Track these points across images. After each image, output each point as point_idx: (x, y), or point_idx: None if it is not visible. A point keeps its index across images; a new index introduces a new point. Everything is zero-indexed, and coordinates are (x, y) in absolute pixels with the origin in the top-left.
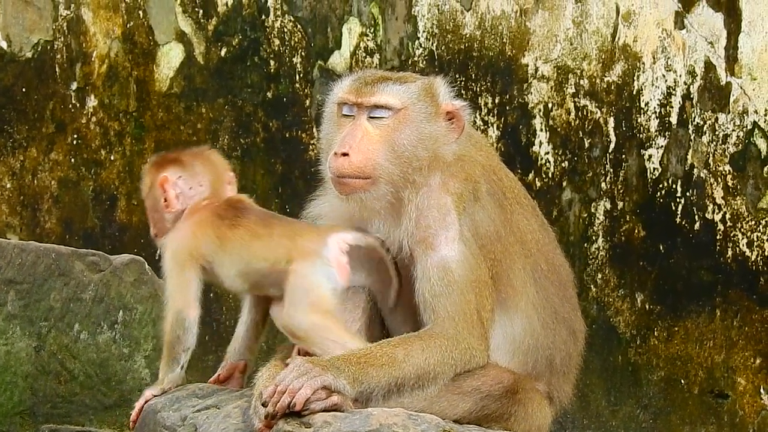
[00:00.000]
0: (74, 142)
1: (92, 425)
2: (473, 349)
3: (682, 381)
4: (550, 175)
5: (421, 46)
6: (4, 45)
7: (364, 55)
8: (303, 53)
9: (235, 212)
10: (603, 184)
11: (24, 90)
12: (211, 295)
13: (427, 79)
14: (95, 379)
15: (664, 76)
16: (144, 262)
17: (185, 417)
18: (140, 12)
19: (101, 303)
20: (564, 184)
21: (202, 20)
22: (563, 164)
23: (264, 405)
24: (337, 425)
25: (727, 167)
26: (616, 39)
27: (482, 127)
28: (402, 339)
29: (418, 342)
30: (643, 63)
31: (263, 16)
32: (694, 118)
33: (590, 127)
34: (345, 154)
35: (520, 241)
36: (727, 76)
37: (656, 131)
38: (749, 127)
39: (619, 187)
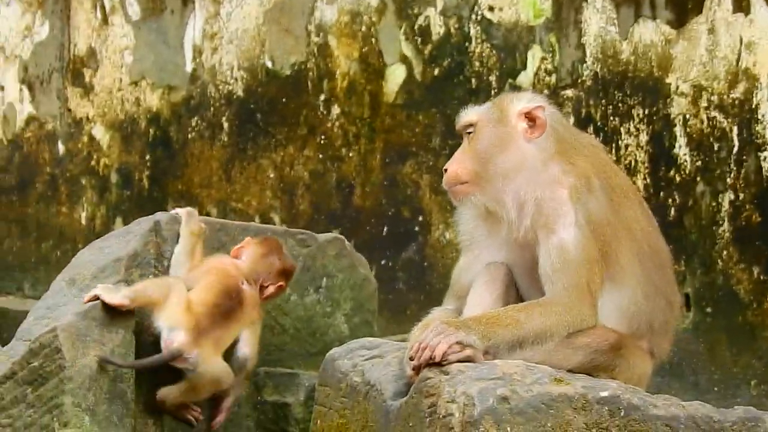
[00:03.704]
0: (321, 142)
1: (299, 369)
2: (583, 314)
3: None
4: (687, 172)
5: (588, 68)
6: (270, 64)
7: (543, 75)
8: (497, 73)
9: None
10: (728, 179)
11: (284, 101)
12: (425, 263)
13: (503, 95)
14: (302, 332)
15: None
16: (344, 239)
17: (356, 364)
18: (373, 39)
19: (308, 271)
20: (698, 179)
21: (420, 46)
22: (697, 163)
23: (411, 359)
24: (469, 373)
25: None
26: (740, 64)
27: (635, 133)
28: (525, 305)
29: (538, 308)
30: (761, 83)
31: (467, 44)
32: None
33: (719, 134)
34: (446, 170)
35: (627, 227)
36: None
37: None
38: None
39: (741, 182)
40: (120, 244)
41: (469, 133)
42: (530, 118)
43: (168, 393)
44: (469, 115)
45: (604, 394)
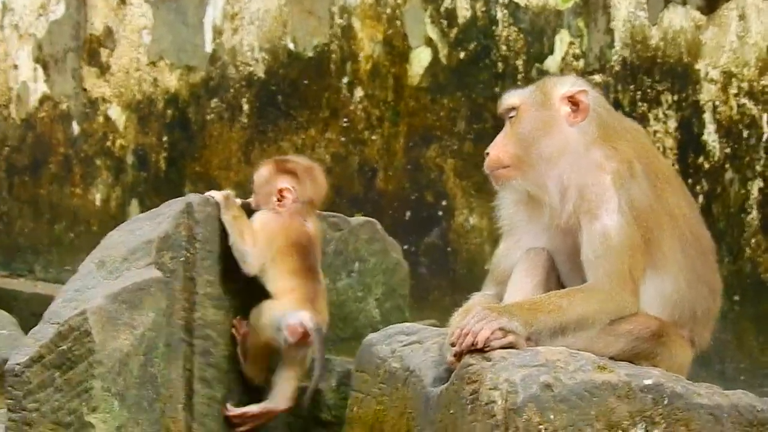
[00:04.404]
0: (344, 124)
1: (330, 354)
2: (625, 301)
3: None
4: (715, 159)
5: (616, 53)
6: (292, 46)
7: (571, 59)
8: (524, 57)
9: (304, 258)
10: (757, 167)
11: (306, 82)
12: (448, 249)
13: (546, 78)
14: (334, 316)
15: None
16: (377, 223)
17: (394, 350)
18: (398, 22)
19: (340, 255)
20: (726, 166)
21: (446, 29)
22: (726, 150)
23: (452, 345)
24: (512, 360)
25: None
26: None
27: (663, 120)
28: (567, 291)
29: (580, 294)
30: None
31: (494, 27)
32: None
33: (748, 121)
34: (487, 153)
35: (669, 214)
36: None
37: None
38: None
39: None
40: (151, 226)
41: (511, 117)
42: (573, 102)
43: (269, 408)
44: (511, 98)
45: (648, 382)
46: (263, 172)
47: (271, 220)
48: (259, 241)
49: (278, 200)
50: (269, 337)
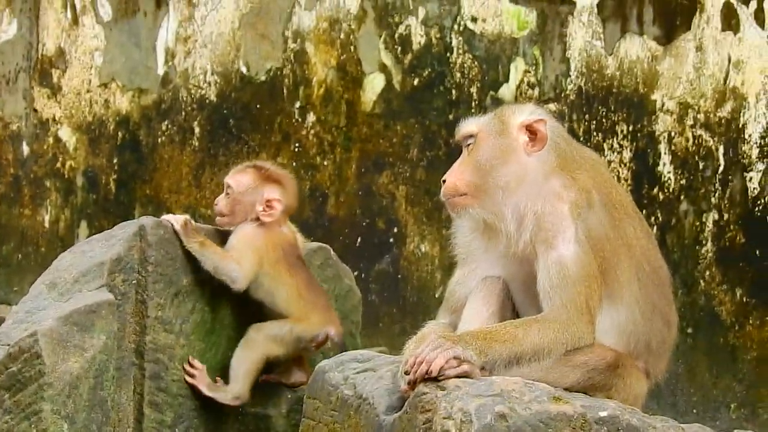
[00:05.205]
0: (296, 149)
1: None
2: (581, 332)
3: None
4: (670, 190)
5: (572, 82)
6: (244, 70)
7: (526, 88)
8: (478, 85)
9: (295, 261)
10: (713, 199)
11: (258, 106)
12: (399, 276)
13: (504, 106)
14: None
15: (764, 113)
16: (330, 249)
17: (347, 377)
18: (352, 47)
19: None
20: (681, 197)
21: (400, 56)
22: (681, 182)
23: (406, 373)
24: (466, 389)
25: None
26: (727, 82)
27: (618, 150)
28: (523, 321)
29: (536, 324)
30: (748, 102)
31: (448, 54)
32: None
33: (704, 152)
34: (444, 181)
35: (627, 245)
36: None
37: (757, 158)
38: None
39: (726, 202)
40: (103, 248)
41: (469, 144)
42: (531, 131)
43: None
44: (469, 125)
45: (603, 414)
46: (244, 179)
47: (254, 234)
48: (243, 257)
49: (264, 209)
50: (289, 352)
